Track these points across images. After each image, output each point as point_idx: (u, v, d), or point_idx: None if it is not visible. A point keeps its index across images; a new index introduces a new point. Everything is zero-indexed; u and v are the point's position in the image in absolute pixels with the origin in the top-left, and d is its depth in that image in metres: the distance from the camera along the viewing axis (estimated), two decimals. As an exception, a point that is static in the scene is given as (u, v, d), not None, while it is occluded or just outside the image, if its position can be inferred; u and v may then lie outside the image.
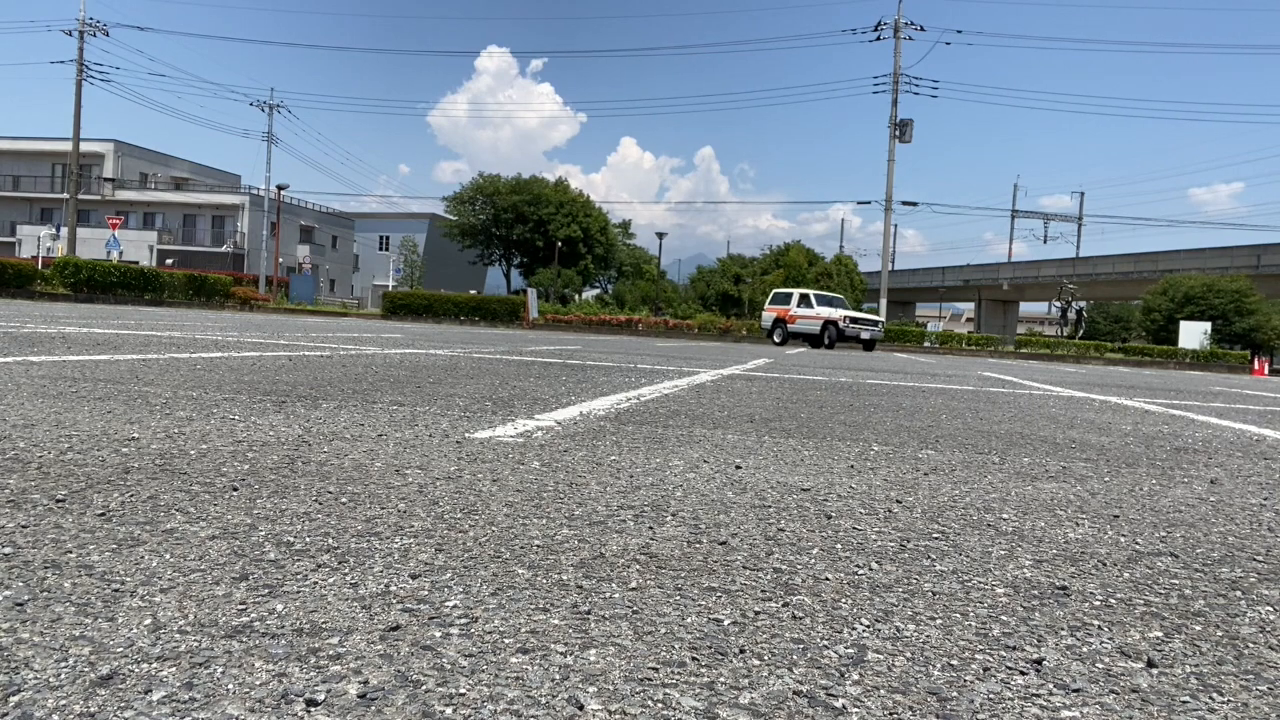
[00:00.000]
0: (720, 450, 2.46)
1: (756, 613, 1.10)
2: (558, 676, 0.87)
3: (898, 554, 1.43)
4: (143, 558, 1.16)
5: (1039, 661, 1.00)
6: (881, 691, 0.89)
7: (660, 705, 0.82)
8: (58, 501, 1.43)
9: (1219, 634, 1.14)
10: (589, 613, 1.06)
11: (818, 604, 1.15)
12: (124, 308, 20.07)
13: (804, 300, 25.59)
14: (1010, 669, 0.97)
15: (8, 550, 1.16)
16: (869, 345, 24.33)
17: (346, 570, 1.16)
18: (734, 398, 4.37)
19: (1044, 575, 1.37)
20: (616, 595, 1.13)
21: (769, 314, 26.39)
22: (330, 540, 1.30)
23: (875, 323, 24.94)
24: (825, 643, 1.01)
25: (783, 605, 1.14)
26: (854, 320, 24.36)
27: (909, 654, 0.99)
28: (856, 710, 0.84)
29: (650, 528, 1.50)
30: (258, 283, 42.23)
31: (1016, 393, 6.57)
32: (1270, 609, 1.27)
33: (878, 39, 35.81)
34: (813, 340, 24.84)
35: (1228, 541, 1.70)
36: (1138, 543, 1.64)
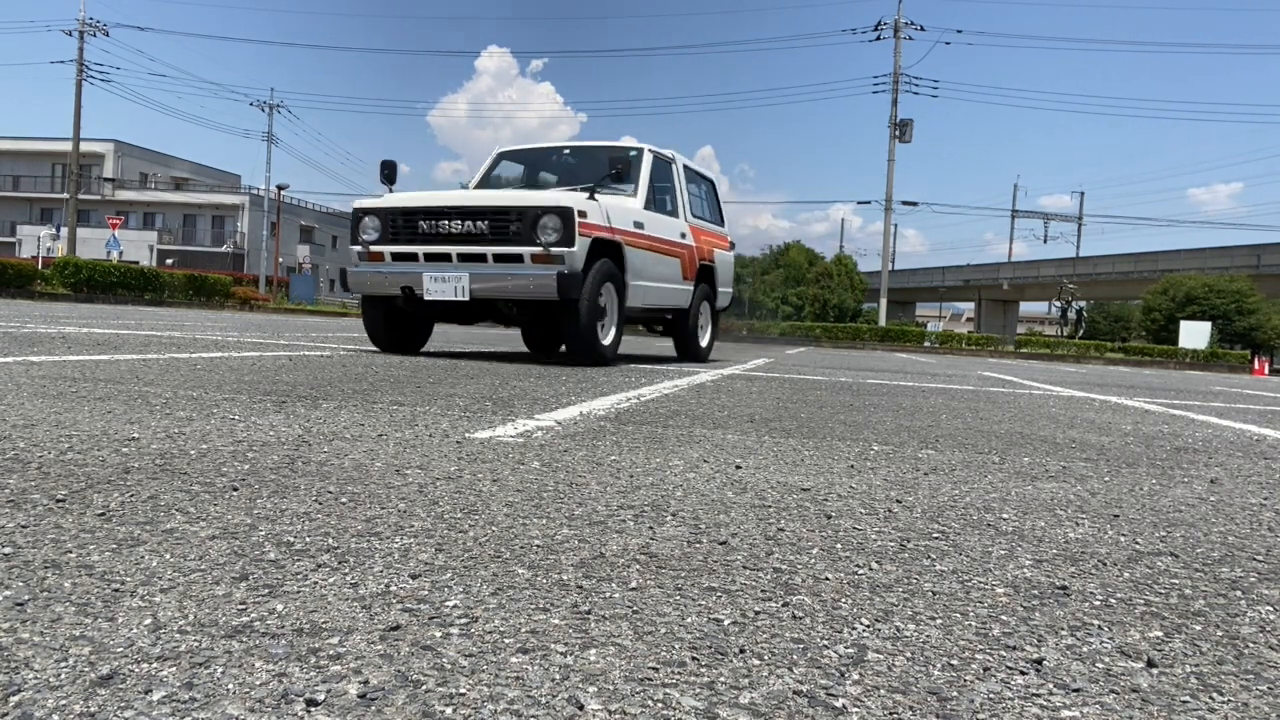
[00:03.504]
0: (720, 450, 2.46)
1: (756, 613, 1.10)
2: (558, 676, 0.87)
3: (898, 554, 1.43)
4: (143, 558, 1.16)
5: (1039, 661, 1.00)
6: (881, 691, 0.89)
7: (660, 705, 0.82)
8: (58, 501, 1.43)
9: (1219, 634, 1.14)
10: (589, 613, 1.06)
11: (818, 604, 1.15)
12: (124, 308, 20.08)
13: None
14: (1010, 669, 0.97)
15: (8, 550, 1.16)
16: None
17: (346, 570, 1.16)
18: (734, 397, 4.37)
19: (1044, 575, 1.37)
20: (616, 595, 1.13)
21: None
22: (330, 540, 1.30)
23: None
24: (825, 642, 1.01)
25: (783, 605, 1.14)
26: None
27: (909, 654, 0.99)
28: (856, 710, 0.84)
29: (650, 528, 1.50)
30: (258, 283, 42.24)
31: (1016, 392, 6.57)
32: (1270, 609, 1.27)
33: (878, 39, 35.84)
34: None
35: (1228, 541, 1.70)
36: (1138, 542, 1.64)
